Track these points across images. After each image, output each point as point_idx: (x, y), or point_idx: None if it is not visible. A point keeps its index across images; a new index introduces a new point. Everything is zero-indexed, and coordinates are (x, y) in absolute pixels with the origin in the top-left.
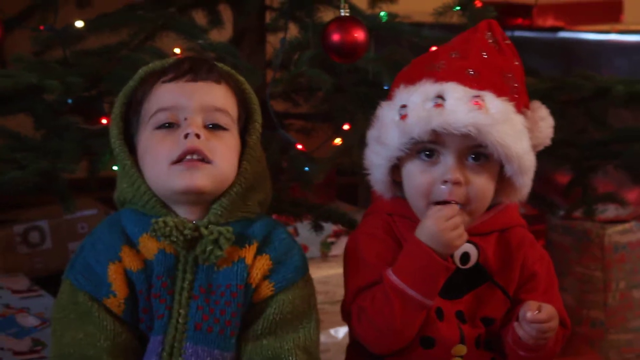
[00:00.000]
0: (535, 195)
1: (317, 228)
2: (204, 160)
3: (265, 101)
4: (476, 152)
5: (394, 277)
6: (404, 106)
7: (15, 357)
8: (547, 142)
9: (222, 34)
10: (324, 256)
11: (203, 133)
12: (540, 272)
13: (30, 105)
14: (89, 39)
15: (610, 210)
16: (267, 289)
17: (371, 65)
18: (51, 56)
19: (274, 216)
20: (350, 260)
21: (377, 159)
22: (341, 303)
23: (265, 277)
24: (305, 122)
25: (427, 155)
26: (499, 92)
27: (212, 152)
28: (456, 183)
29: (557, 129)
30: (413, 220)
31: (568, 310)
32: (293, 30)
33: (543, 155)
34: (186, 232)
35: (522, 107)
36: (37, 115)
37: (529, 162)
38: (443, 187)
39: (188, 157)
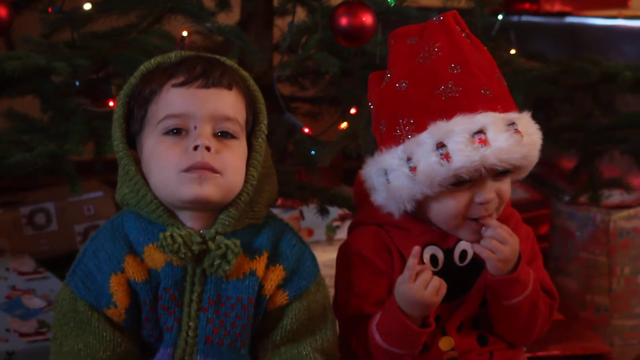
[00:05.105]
0: (540, 180)
1: (323, 212)
2: (213, 170)
3: (272, 85)
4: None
5: (377, 337)
6: (442, 145)
7: (21, 339)
8: None
9: (230, 17)
10: (330, 240)
11: (213, 143)
12: (524, 251)
13: (38, 87)
14: (97, 21)
15: (616, 196)
16: (281, 298)
17: (379, 49)
18: (59, 38)
19: (280, 200)
20: (342, 279)
21: (406, 191)
22: (335, 309)
23: (279, 287)
24: (311, 105)
25: (460, 183)
26: (516, 108)
27: (221, 165)
28: (491, 201)
29: (563, 113)
30: (408, 230)
31: (572, 295)
32: (301, 14)
33: (549, 140)
34: (194, 247)
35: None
36: (45, 97)
37: None
38: (479, 206)
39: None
